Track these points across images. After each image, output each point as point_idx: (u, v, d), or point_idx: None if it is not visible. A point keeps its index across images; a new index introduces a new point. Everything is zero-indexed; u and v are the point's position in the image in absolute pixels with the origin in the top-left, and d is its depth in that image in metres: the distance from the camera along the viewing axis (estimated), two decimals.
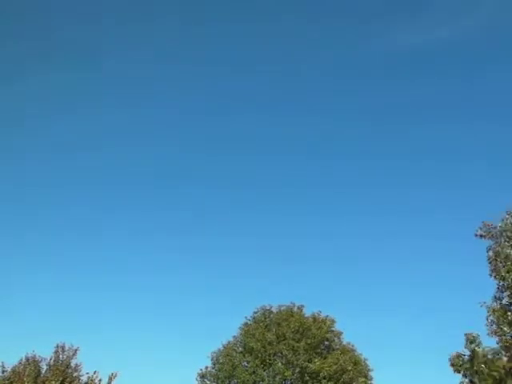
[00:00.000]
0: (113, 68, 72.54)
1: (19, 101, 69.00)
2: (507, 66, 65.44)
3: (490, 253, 20.12)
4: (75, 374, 23.59)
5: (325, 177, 72.61)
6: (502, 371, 17.74)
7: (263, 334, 30.97)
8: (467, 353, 19.90)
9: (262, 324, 31.84)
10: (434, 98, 73.00)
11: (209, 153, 73.90)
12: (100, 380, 23.55)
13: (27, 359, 23.31)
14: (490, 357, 18.72)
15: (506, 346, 18.50)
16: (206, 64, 74.66)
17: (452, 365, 20.07)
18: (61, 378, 22.73)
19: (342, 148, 73.52)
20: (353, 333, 39.90)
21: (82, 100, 73.68)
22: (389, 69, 74.53)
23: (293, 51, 73.38)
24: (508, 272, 18.69)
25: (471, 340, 19.68)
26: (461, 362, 19.81)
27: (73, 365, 23.66)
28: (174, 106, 76.55)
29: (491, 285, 20.15)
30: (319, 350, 31.33)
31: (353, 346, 32.12)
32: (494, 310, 19.42)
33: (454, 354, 20.17)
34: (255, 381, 29.97)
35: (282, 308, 32.69)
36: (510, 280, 18.61)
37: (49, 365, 23.37)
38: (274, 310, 32.81)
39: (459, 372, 19.90)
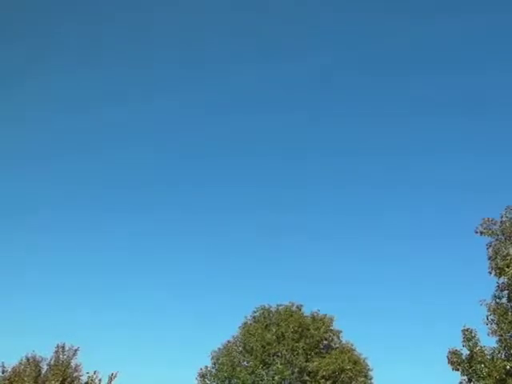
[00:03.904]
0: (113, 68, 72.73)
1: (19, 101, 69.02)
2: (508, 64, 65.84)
3: (490, 250, 20.17)
4: (75, 374, 23.63)
5: (323, 175, 73.07)
6: (503, 371, 17.69)
7: (263, 334, 30.90)
8: (465, 350, 19.89)
9: (261, 324, 31.75)
10: (432, 95, 73.53)
11: (207, 153, 74.48)
12: (100, 380, 23.61)
13: (27, 359, 23.35)
14: (489, 357, 18.77)
15: (506, 346, 18.52)
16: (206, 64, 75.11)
17: (450, 362, 20.02)
18: (61, 378, 22.73)
19: (342, 146, 73.98)
20: (353, 332, 40.06)
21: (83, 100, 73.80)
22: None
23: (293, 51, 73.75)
24: (508, 267, 18.72)
25: (469, 337, 19.63)
26: (459, 360, 19.77)
27: (73, 365, 23.74)
28: (175, 108, 76.76)
29: (490, 284, 20.19)
30: (318, 350, 31.27)
31: (352, 345, 32.02)
32: (494, 309, 19.42)
33: (452, 350, 20.11)
34: (255, 381, 29.90)
35: (280, 307, 32.61)
36: (509, 274, 18.61)
37: (49, 365, 23.42)
38: (273, 309, 32.73)
39: (458, 370, 19.85)
